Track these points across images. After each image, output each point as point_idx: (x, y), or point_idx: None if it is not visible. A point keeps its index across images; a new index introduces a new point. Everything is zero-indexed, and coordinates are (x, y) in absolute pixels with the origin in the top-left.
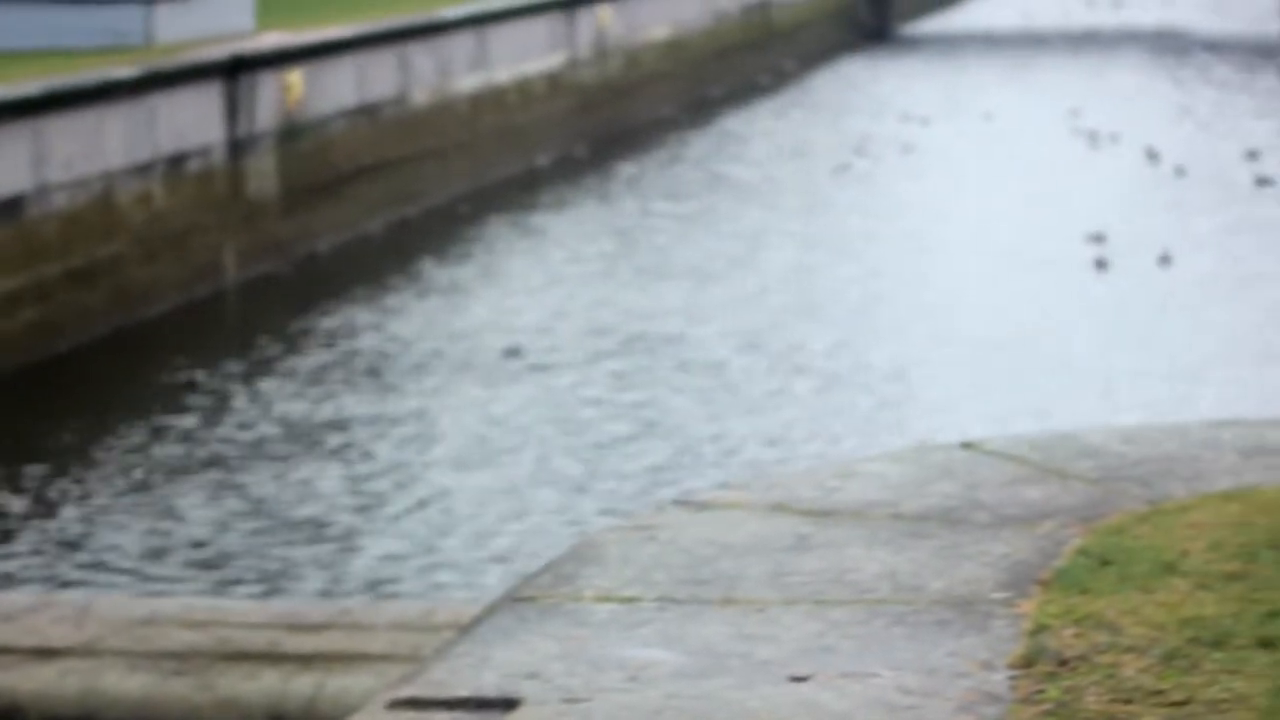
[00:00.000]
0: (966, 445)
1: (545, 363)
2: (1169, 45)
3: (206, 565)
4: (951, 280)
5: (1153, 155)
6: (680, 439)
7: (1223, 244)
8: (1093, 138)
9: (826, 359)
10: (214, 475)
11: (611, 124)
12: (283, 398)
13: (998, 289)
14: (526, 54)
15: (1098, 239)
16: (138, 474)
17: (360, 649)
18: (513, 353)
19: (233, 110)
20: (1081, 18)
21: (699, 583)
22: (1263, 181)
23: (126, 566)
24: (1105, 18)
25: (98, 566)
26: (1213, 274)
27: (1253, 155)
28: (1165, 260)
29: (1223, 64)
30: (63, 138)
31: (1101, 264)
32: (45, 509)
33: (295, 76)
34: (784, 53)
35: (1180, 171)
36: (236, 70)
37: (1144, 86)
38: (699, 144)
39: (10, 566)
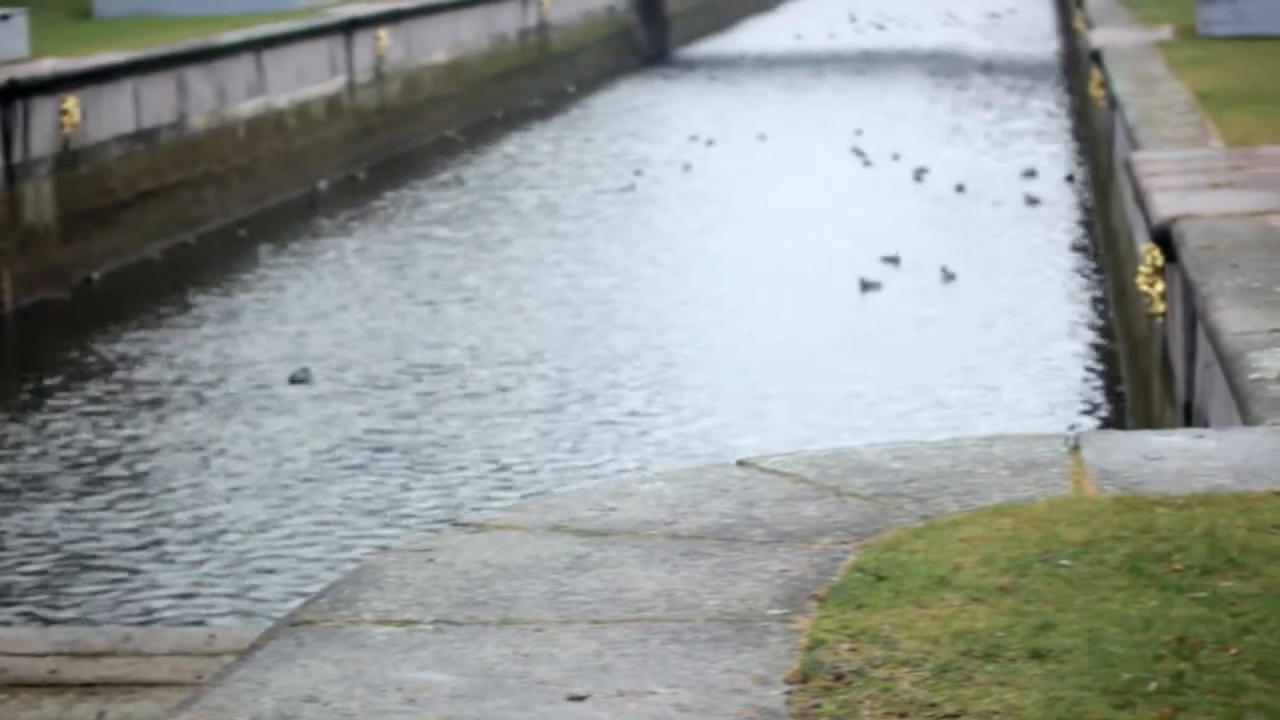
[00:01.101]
0: (742, 463)
1: (330, 390)
2: (946, 67)
3: None
4: (732, 302)
5: (929, 175)
6: (464, 463)
7: (999, 261)
8: (871, 158)
9: (605, 382)
10: None
11: (391, 147)
12: (61, 427)
13: (779, 310)
14: (305, 78)
15: (892, 260)
16: None
17: (141, 676)
18: (298, 380)
19: (7, 136)
20: (849, 40)
21: (476, 604)
22: (1032, 201)
23: None
24: (873, 39)
25: None
26: (990, 290)
27: (1028, 174)
28: (948, 277)
29: (1000, 85)
30: None
31: (867, 286)
32: None
33: (72, 102)
34: (563, 75)
35: (960, 189)
36: (11, 96)
37: (920, 107)
38: (480, 167)
39: None
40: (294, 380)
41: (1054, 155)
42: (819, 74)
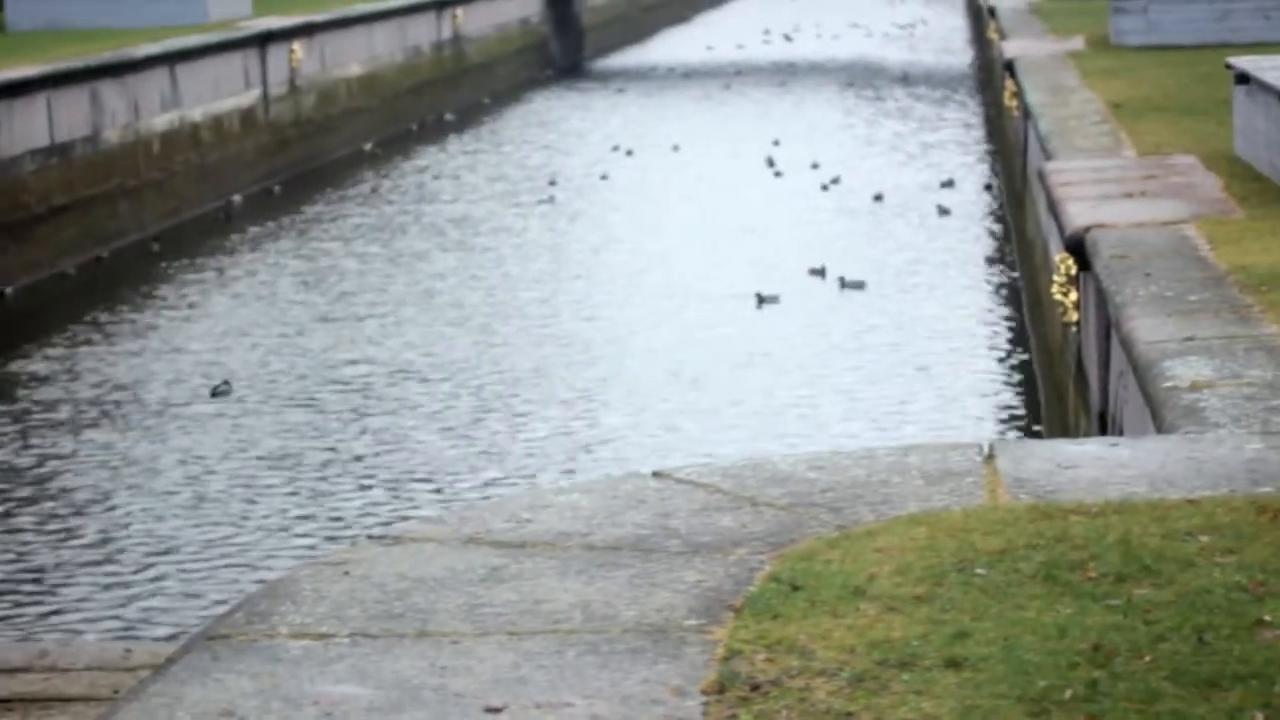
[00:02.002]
0: (658, 474)
1: (240, 409)
2: (861, 77)
3: None
4: (644, 315)
5: (845, 186)
6: (383, 474)
7: (916, 272)
8: (786, 169)
9: (520, 395)
10: None
11: (307, 160)
12: None
13: (693, 323)
14: (219, 91)
15: (818, 272)
16: None
17: (58, 691)
18: (219, 392)
19: None
20: (759, 51)
21: (393, 617)
22: (944, 211)
23: None
24: (786, 51)
25: None
26: (905, 300)
27: (946, 184)
28: (847, 286)
29: (915, 96)
30: None
31: (764, 300)
32: None
33: None
34: (478, 88)
35: (878, 199)
36: None
37: (836, 118)
38: (396, 180)
39: None
40: (215, 393)
41: (972, 166)
42: (734, 85)
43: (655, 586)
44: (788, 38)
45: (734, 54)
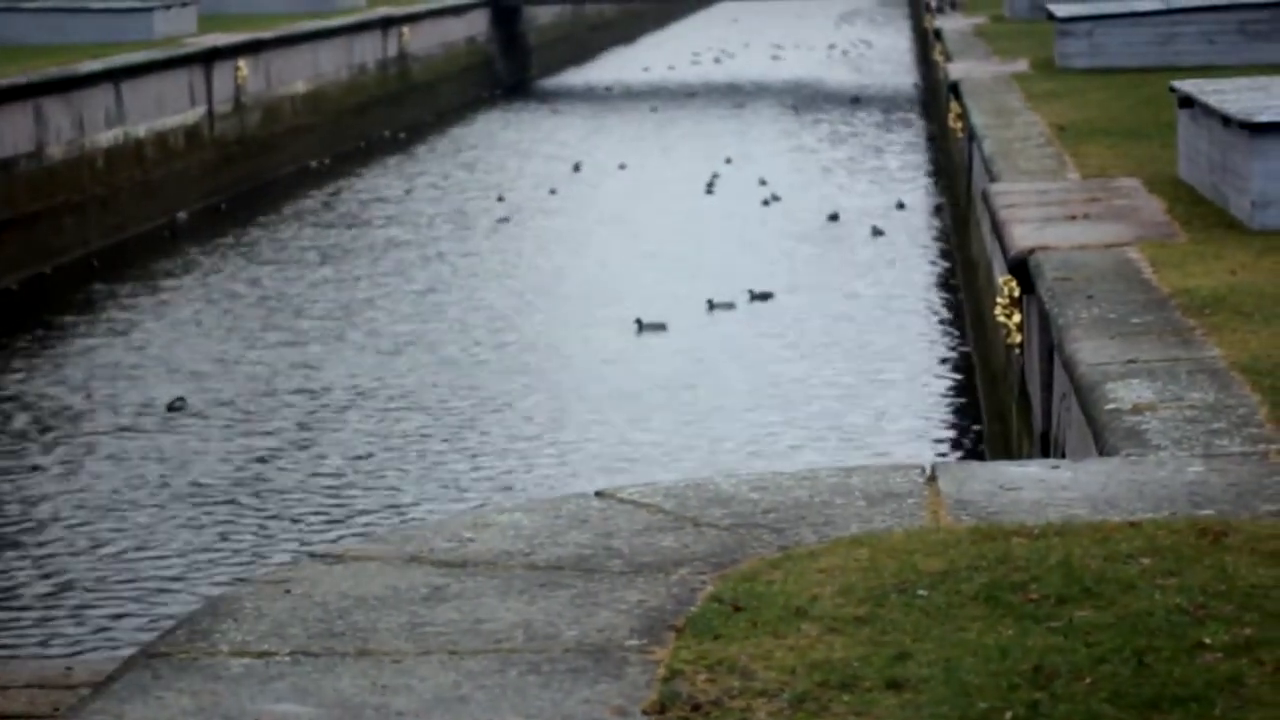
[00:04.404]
0: (600, 494)
1: (192, 421)
2: (808, 100)
3: None
4: (591, 339)
5: (792, 209)
6: (324, 493)
7: (867, 293)
8: (732, 191)
9: (470, 414)
10: None
11: (253, 177)
12: None
13: (635, 342)
14: (164, 108)
15: (763, 297)
16: None
17: None
18: (175, 408)
19: None
20: (686, 71)
21: (334, 635)
22: (877, 232)
23: None
24: (728, 72)
25: None
26: (849, 322)
27: (899, 206)
28: (715, 307)
29: (861, 118)
30: None
31: (645, 327)
32: None
33: None
34: (424, 106)
35: (834, 218)
36: None
37: (781, 140)
38: (340, 197)
39: None
40: (171, 408)
41: (919, 187)
42: (682, 105)
43: (597, 606)
44: (717, 60)
45: (674, 76)
